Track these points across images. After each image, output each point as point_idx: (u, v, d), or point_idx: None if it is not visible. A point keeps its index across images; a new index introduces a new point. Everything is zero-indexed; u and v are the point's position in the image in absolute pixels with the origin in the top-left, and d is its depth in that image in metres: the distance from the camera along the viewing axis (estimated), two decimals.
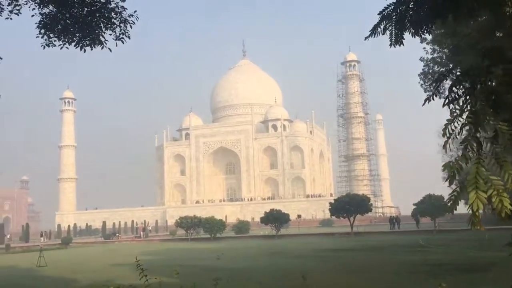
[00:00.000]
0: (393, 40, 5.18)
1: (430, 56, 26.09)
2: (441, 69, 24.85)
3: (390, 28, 5.14)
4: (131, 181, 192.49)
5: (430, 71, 25.86)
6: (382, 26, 5.18)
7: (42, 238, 62.41)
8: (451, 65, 22.55)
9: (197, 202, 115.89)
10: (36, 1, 8.61)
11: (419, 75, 27.12)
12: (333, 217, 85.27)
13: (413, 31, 5.05)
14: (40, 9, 8.58)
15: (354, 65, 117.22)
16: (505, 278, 11.78)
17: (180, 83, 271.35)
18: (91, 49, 8.26)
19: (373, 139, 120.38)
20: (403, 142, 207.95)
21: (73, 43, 8.17)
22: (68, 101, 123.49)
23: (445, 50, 22.46)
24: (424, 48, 26.95)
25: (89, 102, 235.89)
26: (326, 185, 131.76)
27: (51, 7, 8.60)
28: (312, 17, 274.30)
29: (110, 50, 8.17)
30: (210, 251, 30.66)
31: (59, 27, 8.55)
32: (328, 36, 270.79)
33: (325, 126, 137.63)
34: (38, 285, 16.65)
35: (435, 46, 24.10)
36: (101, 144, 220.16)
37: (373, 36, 5.30)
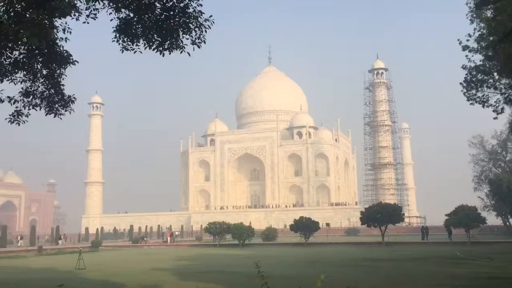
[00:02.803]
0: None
1: (473, 64, 25.65)
2: (485, 77, 24.38)
3: None
4: (155, 186, 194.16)
5: (474, 79, 25.40)
6: None
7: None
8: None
9: (222, 208, 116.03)
10: (113, 6, 8.67)
11: (461, 83, 26.65)
12: (359, 226, 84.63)
13: None
14: (116, 14, 8.62)
15: (382, 72, 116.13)
16: None
17: (205, 89, 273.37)
18: (169, 53, 8.27)
19: (399, 148, 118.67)
20: (430, 151, 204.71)
21: (153, 47, 8.18)
22: (96, 106, 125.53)
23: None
24: (467, 56, 26.54)
25: (116, 107, 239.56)
26: (351, 193, 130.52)
27: (127, 12, 8.64)
28: (338, 24, 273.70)
29: (189, 55, 8.16)
30: (243, 258, 30.52)
31: (137, 31, 8.58)
32: (355, 43, 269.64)
33: (350, 134, 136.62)
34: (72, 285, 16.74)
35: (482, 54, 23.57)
36: (127, 149, 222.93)
37: None
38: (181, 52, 8.19)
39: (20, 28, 4.95)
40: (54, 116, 9.13)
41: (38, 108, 9.04)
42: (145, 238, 64.41)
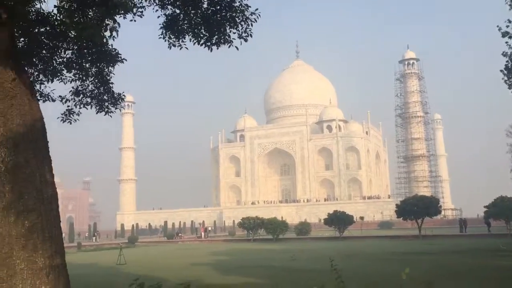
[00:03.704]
0: None
1: None
2: None
3: None
4: (187, 182, 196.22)
5: None
6: None
7: None
8: None
9: (253, 203, 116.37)
10: (159, 3, 8.71)
11: (501, 70, 25.86)
12: (393, 220, 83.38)
13: None
14: (162, 11, 8.66)
15: (413, 63, 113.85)
16: None
17: (234, 85, 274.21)
18: (217, 48, 8.26)
19: (433, 139, 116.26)
20: (464, 142, 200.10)
21: (201, 43, 8.19)
22: (128, 104, 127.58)
23: None
24: (507, 42, 25.71)
25: (147, 105, 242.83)
26: (383, 186, 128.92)
27: (173, 8, 8.67)
28: (367, 15, 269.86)
29: (237, 49, 8.14)
30: (280, 252, 30.52)
31: (184, 27, 8.60)
32: (384, 34, 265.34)
33: (381, 127, 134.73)
34: (129, 283, 17.06)
35: None
36: (158, 146, 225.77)
37: None
38: (229, 46, 8.17)
39: (84, 27, 5.01)
40: (105, 114, 9.27)
41: (88, 107, 9.19)
42: (179, 234, 65.19)
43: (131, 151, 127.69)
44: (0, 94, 4.43)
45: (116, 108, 9.11)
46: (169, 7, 8.65)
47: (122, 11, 5.15)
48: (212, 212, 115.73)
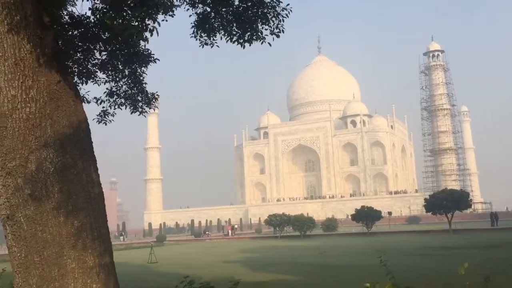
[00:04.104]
0: None
1: None
2: None
3: None
4: (211, 180, 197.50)
5: None
6: None
7: None
8: None
9: (278, 200, 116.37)
10: (190, 2, 8.73)
11: None
12: (421, 214, 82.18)
13: None
14: (194, 10, 8.67)
15: (438, 55, 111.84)
16: None
17: (257, 83, 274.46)
18: (249, 45, 8.24)
19: (460, 132, 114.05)
20: (492, 134, 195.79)
21: (233, 40, 8.18)
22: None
23: None
24: None
25: (170, 104, 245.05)
26: (409, 181, 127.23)
27: (204, 7, 8.68)
28: (388, 8, 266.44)
29: (270, 45, 8.11)
30: (309, 249, 30.43)
31: (215, 25, 8.61)
32: (407, 26, 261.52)
33: (406, 120, 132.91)
34: (164, 281, 17.23)
35: None
36: (183, 145, 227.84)
37: None
38: (262, 42, 8.15)
39: (125, 28, 5.05)
40: (139, 114, 9.35)
41: (123, 107, 9.28)
42: (206, 232, 65.65)
43: (156, 151, 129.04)
44: (47, 96, 4.51)
45: (150, 108, 9.19)
46: (200, 5, 8.67)
47: (163, 11, 5.18)
48: (237, 209, 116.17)
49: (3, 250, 35.52)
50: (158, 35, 5.09)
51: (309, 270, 17.92)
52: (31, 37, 4.41)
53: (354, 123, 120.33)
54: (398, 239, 36.81)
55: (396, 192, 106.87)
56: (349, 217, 55.94)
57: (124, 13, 5.15)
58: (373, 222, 46.99)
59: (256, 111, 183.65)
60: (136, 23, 5.05)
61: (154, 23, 4.98)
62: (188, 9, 8.81)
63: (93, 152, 4.92)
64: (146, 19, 5.00)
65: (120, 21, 5.20)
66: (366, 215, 45.89)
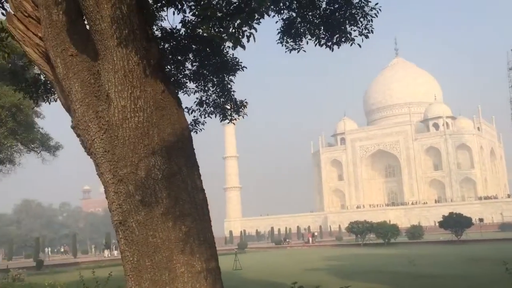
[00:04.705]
0: None
1: None
2: None
3: None
4: (289, 188, 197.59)
5: None
6: None
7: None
8: None
9: (358, 207, 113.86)
10: (275, 8, 8.73)
11: None
12: None
13: None
14: (279, 16, 8.67)
15: None
16: None
17: (331, 89, 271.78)
18: (338, 47, 8.09)
19: None
20: None
21: (321, 43, 8.08)
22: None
23: None
24: None
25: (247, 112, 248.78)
26: (500, 185, 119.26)
27: (289, 12, 8.66)
28: (469, 4, 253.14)
29: (360, 46, 7.91)
30: (395, 257, 29.33)
31: (300, 30, 8.57)
32: (492, 20, 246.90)
33: (494, 121, 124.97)
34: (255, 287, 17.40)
35: None
36: (260, 153, 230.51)
37: None
38: (351, 44, 7.97)
39: (223, 36, 5.13)
40: (228, 122, 9.50)
41: (213, 116, 9.46)
42: (287, 240, 65.56)
43: (235, 160, 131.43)
44: (153, 106, 4.66)
45: (239, 116, 9.30)
46: (285, 11, 8.67)
47: (259, 17, 5.20)
48: (316, 217, 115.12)
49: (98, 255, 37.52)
50: (255, 41, 5.10)
51: (401, 280, 17.21)
52: (138, 49, 4.59)
53: (436, 126, 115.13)
54: (493, 247, 34.41)
55: (486, 198, 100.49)
56: (437, 224, 53.40)
57: (219, 22, 5.24)
58: (462, 230, 44.43)
59: (333, 118, 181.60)
60: (233, 31, 5.10)
61: (250, 29, 5.00)
62: (273, 15, 8.85)
63: (196, 158, 5.02)
64: (243, 26, 5.03)
65: (217, 30, 5.29)
66: (455, 222, 43.50)
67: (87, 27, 5.31)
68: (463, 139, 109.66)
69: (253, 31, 5.08)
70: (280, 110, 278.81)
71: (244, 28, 5.20)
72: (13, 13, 5.38)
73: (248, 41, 4.97)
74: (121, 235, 4.58)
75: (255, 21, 8.61)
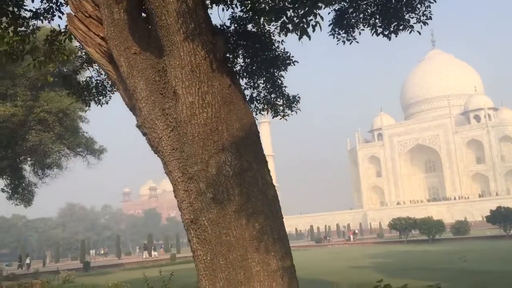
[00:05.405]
0: None
1: None
2: None
3: None
4: (326, 185, 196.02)
5: None
6: None
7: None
8: None
9: (398, 203, 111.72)
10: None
11: None
12: None
13: None
14: (331, 7, 8.43)
15: None
16: None
17: (367, 85, 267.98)
18: (395, 36, 7.79)
19: None
20: None
21: (378, 32, 7.79)
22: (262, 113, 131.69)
23: None
24: None
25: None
26: None
27: (341, 3, 8.41)
28: None
29: (419, 33, 7.59)
30: (443, 253, 28.54)
31: (352, 21, 8.32)
32: None
33: None
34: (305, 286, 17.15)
35: None
36: (296, 151, 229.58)
37: None
38: (410, 32, 7.65)
39: (286, 26, 4.95)
40: (280, 118, 9.32)
41: (264, 113, 9.31)
42: (327, 238, 64.94)
43: (271, 159, 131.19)
44: (221, 100, 4.55)
45: (292, 111, 9.11)
46: (336, 2, 8.43)
47: (325, 5, 5.00)
48: (355, 214, 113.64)
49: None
50: (321, 30, 4.91)
51: (453, 276, 16.66)
52: (204, 43, 4.48)
53: (477, 118, 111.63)
54: None
55: None
56: (482, 219, 51.72)
57: (283, 13, 5.07)
58: (511, 224, 42.77)
59: (368, 114, 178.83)
60: (297, 21, 4.91)
61: (315, 18, 4.80)
62: (324, 7, 8.59)
63: (264, 154, 4.87)
64: (308, 16, 4.84)
65: (279, 21, 5.12)
66: (504, 217, 41.93)
67: (148, 25, 5.26)
68: (507, 130, 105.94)
69: (319, 19, 4.88)
70: (316, 107, 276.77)
71: (309, 18, 5.01)
72: (73, 14, 5.37)
73: (314, 30, 4.79)
74: (192, 234, 4.47)
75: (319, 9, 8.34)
